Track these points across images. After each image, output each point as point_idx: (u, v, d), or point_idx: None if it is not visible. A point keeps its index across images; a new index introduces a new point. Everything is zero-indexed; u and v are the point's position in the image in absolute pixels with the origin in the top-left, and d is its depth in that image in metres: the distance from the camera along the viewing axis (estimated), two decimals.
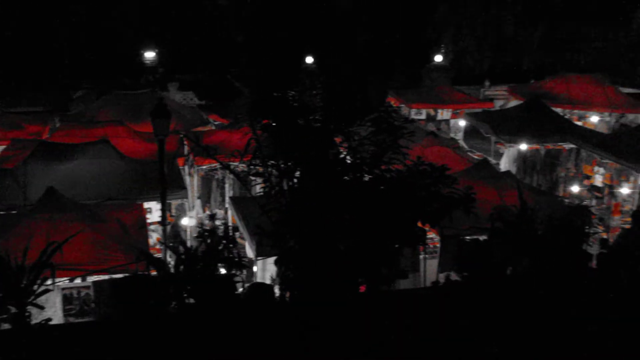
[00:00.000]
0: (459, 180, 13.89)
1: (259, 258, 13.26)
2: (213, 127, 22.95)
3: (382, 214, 6.90)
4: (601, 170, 21.14)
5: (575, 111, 25.59)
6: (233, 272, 7.95)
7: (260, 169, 7.39)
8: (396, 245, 7.37)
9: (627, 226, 12.06)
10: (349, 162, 7.25)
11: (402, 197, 6.88)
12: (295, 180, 7.35)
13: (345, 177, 7.14)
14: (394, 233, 7.12)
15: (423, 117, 26.76)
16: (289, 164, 7.22)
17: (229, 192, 18.84)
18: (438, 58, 35.12)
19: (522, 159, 21.38)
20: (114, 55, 33.71)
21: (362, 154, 7.21)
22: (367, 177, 7.25)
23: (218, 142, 17.31)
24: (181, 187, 16.46)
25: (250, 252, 13.75)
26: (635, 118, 25.87)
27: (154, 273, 8.35)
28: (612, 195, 19.73)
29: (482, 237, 12.78)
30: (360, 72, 8.85)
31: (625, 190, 20.17)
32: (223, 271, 7.94)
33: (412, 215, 7.05)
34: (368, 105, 7.49)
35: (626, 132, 21.70)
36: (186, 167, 19.23)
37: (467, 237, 13.54)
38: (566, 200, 20.18)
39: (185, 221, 16.62)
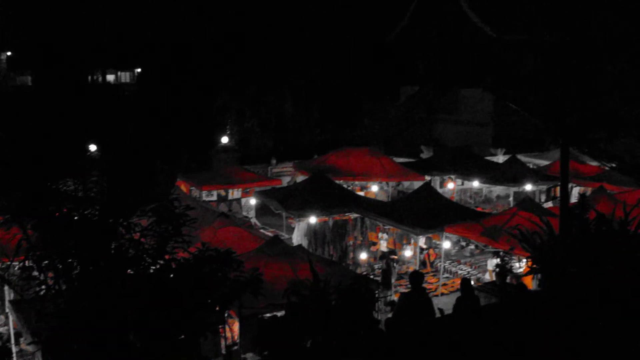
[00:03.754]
0: (253, 258, 14.12)
1: None
2: None
3: (169, 304, 6.68)
4: (385, 236, 22.51)
5: (357, 182, 27.15)
6: None
7: (34, 271, 6.84)
8: (189, 334, 7.14)
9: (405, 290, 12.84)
10: (131, 254, 6.97)
11: (189, 286, 6.73)
12: (74, 279, 6.89)
13: (129, 271, 6.85)
14: (186, 321, 6.91)
15: (214, 198, 26.79)
16: (67, 262, 6.78)
17: (9, 295, 17.21)
18: (224, 139, 35.75)
19: (313, 232, 22.10)
20: None
21: (145, 245, 6.98)
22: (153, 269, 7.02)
23: None
24: None
25: None
26: (410, 185, 28.03)
27: None
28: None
29: (280, 313, 12.92)
30: (142, 160, 8.63)
31: (407, 252, 21.64)
32: None
33: (200, 303, 6.90)
34: (150, 195, 7.32)
35: (403, 199, 23.40)
36: None
37: (266, 315, 13.60)
38: (359, 269, 21.18)
39: None
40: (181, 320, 6.89)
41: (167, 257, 7.08)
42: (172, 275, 6.91)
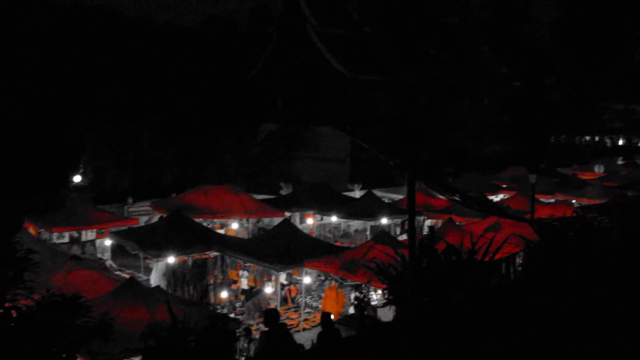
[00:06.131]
0: (107, 302, 13.53)
1: None
2: None
3: (9, 356, 6.21)
4: (245, 273, 22.40)
5: (216, 220, 26.86)
6: None
7: None
8: None
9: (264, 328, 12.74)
10: None
11: (32, 335, 6.30)
12: None
13: None
14: None
15: (66, 240, 25.47)
16: None
17: None
18: (77, 178, 34.19)
19: (172, 272, 21.55)
20: None
21: None
22: None
23: None
24: None
25: None
26: (270, 221, 28.13)
27: None
28: None
29: (137, 358, 12.43)
30: None
31: (268, 289, 21.59)
32: None
33: (44, 353, 6.47)
34: None
35: (263, 235, 23.43)
36: None
37: None
38: (217, 307, 20.88)
39: None
40: None
41: (7, 305, 6.60)
42: (12, 325, 6.44)
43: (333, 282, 20.38)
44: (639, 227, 13.07)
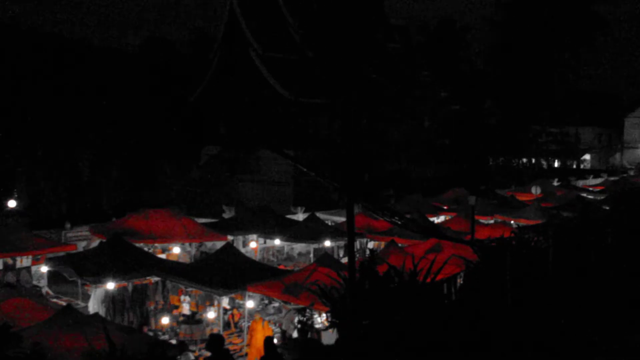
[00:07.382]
0: (42, 331, 13.15)
1: None
2: None
3: None
4: (187, 298, 22.06)
5: (157, 244, 26.42)
6: None
7: None
8: None
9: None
10: None
11: None
12: None
13: None
14: None
15: (0, 267, 24.65)
16: None
17: None
18: (11, 203, 33.13)
19: (111, 298, 21.05)
20: None
21: None
22: None
23: None
24: None
25: None
26: (213, 245, 27.81)
27: None
28: None
29: None
30: None
31: (211, 314, 21.31)
32: None
33: None
34: None
35: (205, 260, 23.15)
36: None
37: None
38: (159, 333, 20.47)
39: None
40: None
41: None
42: None
43: (258, 315, 20.27)
44: (573, 247, 13.46)
